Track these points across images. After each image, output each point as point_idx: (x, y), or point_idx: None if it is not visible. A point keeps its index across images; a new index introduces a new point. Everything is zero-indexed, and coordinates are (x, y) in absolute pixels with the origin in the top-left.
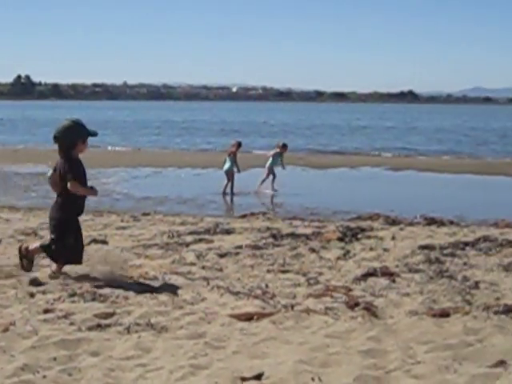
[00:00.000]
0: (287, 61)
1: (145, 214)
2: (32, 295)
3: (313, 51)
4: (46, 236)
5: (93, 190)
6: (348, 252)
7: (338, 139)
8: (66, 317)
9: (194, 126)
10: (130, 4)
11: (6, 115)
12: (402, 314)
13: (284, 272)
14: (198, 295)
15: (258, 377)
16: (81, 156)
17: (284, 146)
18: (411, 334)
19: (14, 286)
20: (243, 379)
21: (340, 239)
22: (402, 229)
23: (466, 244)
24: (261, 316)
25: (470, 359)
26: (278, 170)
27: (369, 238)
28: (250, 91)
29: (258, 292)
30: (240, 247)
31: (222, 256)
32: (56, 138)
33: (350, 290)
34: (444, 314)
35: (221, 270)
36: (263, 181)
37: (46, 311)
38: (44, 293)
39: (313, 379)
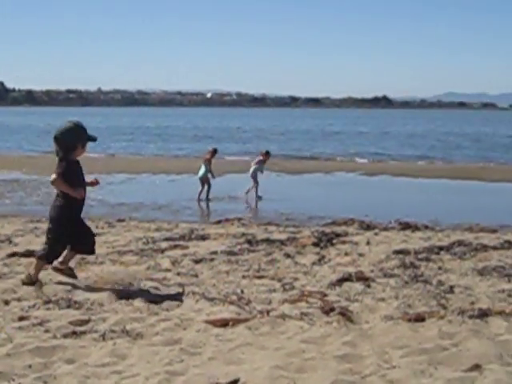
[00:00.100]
0: (262, 66)
1: (120, 221)
2: (7, 302)
3: (287, 57)
4: (21, 243)
5: (76, 191)
6: (323, 257)
7: (311, 145)
8: (41, 324)
9: (168, 132)
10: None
11: None
12: (378, 319)
13: (259, 278)
14: (174, 301)
15: (234, 383)
16: None
17: (267, 154)
18: (387, 339)
19: None
20: None
21: (315, 244)
22: (376, 234)
23: (441, 248)
24: (236, 322)
25: (446, 363)
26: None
27: (344, 243)
28: (224, 97)
29: (234, 298)
30: (215, 253)
31: (197, 262)
32: (56, 139)
33: (326, 295)
34: (419, 318)
35: (196, 276)
36: (255, 188)
37: (21, 318)
38: (19, 300)
39: None
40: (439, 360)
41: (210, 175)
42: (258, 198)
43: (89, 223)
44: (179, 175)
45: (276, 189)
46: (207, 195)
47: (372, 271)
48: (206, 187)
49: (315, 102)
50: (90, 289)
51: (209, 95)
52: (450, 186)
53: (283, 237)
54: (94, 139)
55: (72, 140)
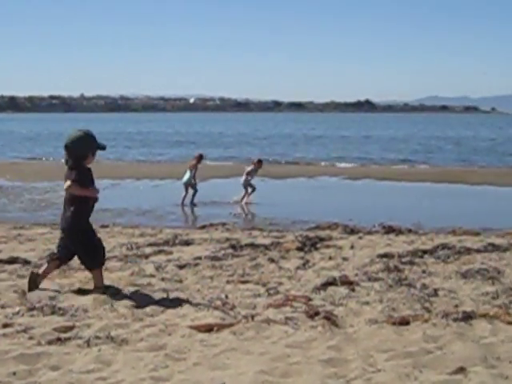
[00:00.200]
0: (245, 71)
1: (103, 226)
2: None
3: (270, 61)
4: (5, 250)
5: (93, 190)
6: (307, 262)
7: (294, 149)
8: (25, 331)
9: (150, 138)
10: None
11: None
12: (362, 323)
13: (244, 282)
14: (158, 307)
15: None
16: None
17: (259, 162)
18: (371, 343)
19: None
20: None
21: (299, 249)
22: (360, 238)
23: (425, 252)
24: (221, 327)
25: (430, 366)
26: (254, 181)
27: (328, 247)
28: (207, 102)
29: (218, 303)
30: (199, 258)
31: (181, 267)
32: (67, 148)
33: (310, 299)
34: (404, 321)
35: (180, 281)
36: (248, 195)
37: (5, 326)
38: (3, 307)
39: None
40: (424, 363)
41: (192, 181)
42: (245, 205)
43: None
44: (163, 180)
45: (259, 193)
46: (192, 200)
47: (356, 275)
48: (190, 192)
49: (298, 106)
50: (74, 295)
51: (192, 100)
52: (432, 190)
53: (267, 241)
54: (103, 147)
55: (82, 148)
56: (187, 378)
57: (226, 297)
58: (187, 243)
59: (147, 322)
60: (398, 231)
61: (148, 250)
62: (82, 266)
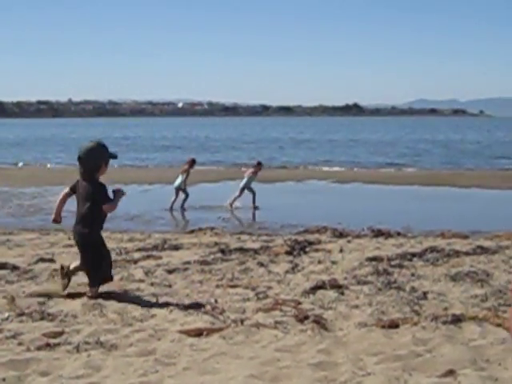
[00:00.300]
0: (233, 76)
1: None
2: None
3: (259, 65)
4: None
5: (119, 193)
6: (296, 265)
7: (282, 153)
8: (14, 337)
9: (136, 143)
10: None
11: None
12: (352, 326)
13: (233, 287)
14: (147, 312)
15: None
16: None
17: (259, 165)
18: (361, 346)
19: None
20: None
21: (288, 253)
22: (349, 241)
23: (414, 255)
24: (211, 331)
25: (420, 369)
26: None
27: (317, 250)
28: (195, 106)
29: (208, 307)
30: (188, 263)
31: (170, 272)
32: (80, 159)
33: (299, 303)
34: (393, 325)
35: (169, 286)
36: (235, 199)
37: None
38: None
39: None
40: (413, 366)
41: (183, 185)
42: (231, 207)
43: (61, 235)
44: (151, 185)
45: (248, 198)
46: (182, 204)
47: (345, 278)
48: (181, 197)
49: (287, 110)
50: (63, 300)
51: (180, 105)
52: (421, 193)
53: (256, 246)
54: (115, 157)
55: (95, 159)
56: (177, 383)
57: (216, 301)
58: (176, 248)
59: (137, 327)
60: (387, 234)
61: (137, 255)
62: None
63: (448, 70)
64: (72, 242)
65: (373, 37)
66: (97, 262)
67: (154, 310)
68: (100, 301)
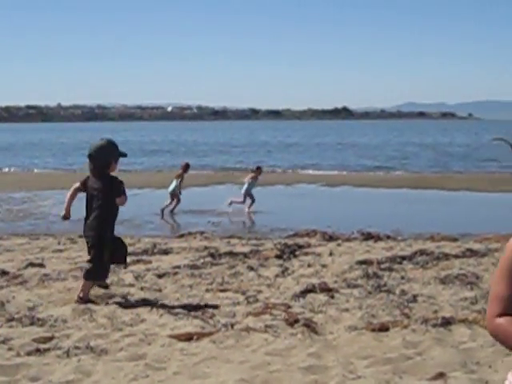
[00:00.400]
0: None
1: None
2: None
3: (248, 69)
4: None
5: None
6: (286, 269)
7: (271, 157)
8: (4, 342)
9: (125, 147)
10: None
11: None
12: (342, 330)
13: (223, 291)
14: (137, 316)
15: None
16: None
17: (258, 169)
18: (351, 349)
19: None
20: None
21: (278, 257)
22: (339, 244)
23: (403, 258)
24: (201, 336)
25: (410, 372)
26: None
27: (306, 254)
28: (185, 111)
29: (198, 312)
30: (178, 267)
31: (160, 276)
32: (90, 157)
33: (290, 307)
34: (383, 328)
35: (159, 290)
36: (236, 202)
37: None
38: None
39: None
40: (404, 369)
41: (177, 190)
42: (249, 214)
43: (51, 239)
44: (140, 189)
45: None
46: (173, 209)
47: (335, 282)
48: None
49: (276, 114)
50: (53, 306)
51: (169, 109)
52: (410, 196)
53: (246, 249)
54: (124, 155)
55: (106, 157)
56: None
57: (206, 305)
58: (166, 252)
59: (127, 331)
60: (377, 238)
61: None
62: (61, 276)
63: (436, 73)
64: (61, 247)
65: (362, 40)
66: (101, 258)
67: (144, 315)
68: (90, 306)
